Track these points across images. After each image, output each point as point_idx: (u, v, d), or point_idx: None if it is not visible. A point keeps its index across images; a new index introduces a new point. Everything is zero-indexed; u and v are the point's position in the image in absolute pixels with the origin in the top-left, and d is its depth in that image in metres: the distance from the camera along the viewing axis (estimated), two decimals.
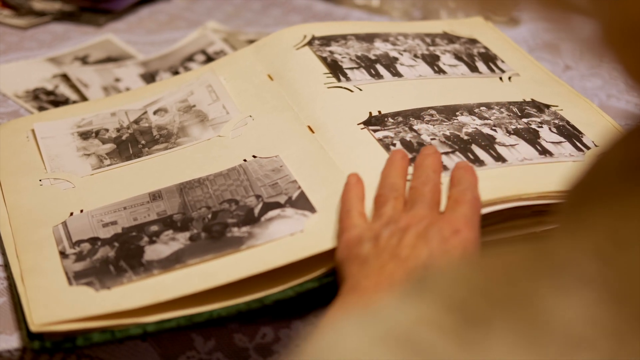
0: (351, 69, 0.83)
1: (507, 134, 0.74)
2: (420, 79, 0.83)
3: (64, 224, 0.70)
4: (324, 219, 0.66)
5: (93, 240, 0.67)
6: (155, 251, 0.65)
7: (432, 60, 0.86)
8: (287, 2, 1.23)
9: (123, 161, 0.78)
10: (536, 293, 0.29)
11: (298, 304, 0.66)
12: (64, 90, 0.98)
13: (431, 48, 0.88)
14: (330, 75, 0.81)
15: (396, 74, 0.83)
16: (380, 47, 0.87)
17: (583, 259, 0.30)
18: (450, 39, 0.91)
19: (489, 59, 0.88)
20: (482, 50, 0.90)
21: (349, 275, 0.59)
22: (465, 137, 0.73)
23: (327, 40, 0.87)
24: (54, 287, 0.63)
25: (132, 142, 0.80)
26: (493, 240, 0.67)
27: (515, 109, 0.78)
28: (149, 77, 1.01)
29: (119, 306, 0.61)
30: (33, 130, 0.83)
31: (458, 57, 0.87)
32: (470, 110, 0.77)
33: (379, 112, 0.76)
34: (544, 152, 0.72)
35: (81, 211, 0.71)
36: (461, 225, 0.60)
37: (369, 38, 0.89)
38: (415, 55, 0.86)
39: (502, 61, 0.88)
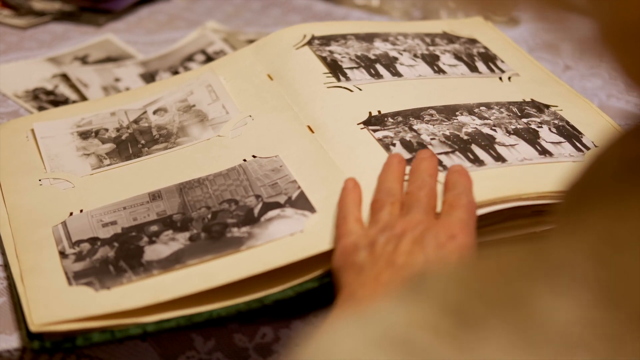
0: (351, 68, 0.83)
1: (507, 134, 0.74)
2: (420, 79, 0.83)
3: (64, 224, 0.70)
4: (324, 219, 0.66)
5: (93, 240, 0.67)
6: (155, 251, 0.65)
7: (431, 60, 0.86)
8: (286, 2, 1.23)
9: (123, 161, 0.78)
10: (532, 294, 0.29)
11: (298, 304, 0.66)
12: (64, 90, 0.98)
13: (431, 48, 0.88)
14: (330, 75, 0.81)
15: (396, 73, 0.83)
16: (380, 47, 0.87)
17: (579, 260, 0.30)
18: (450, 38, 0.91)
19: (489, 59, 0.88)
20: (482, 50, 0.90)
21: (345, 284, 0.59)
22: (465, 137, 0.73)
23: (326, 40, 0.87)
24: (54, 287, 0.63)
25: (131, 142, 0.80)
26: (493, 240, 0.67)
27: (515, 109, 0.78)
28: (149, 77, 1.01)
29: (118, 306, 0.61)
30: (33, 130, 0.83)
31: (458, 57, 0.87)
32: (470, 110, 0.77)
33: (379, 112, 0.76)
34: (544, 152, 0.72)
35: (81, 211, 0.71)
36: (457, 230, 0.60)
37: (368, 38, 0.89)
38: (415, 55, 0.86)
39: (502, 61, 0.88)
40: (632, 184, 0.31)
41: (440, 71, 0.84)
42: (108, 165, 0.77)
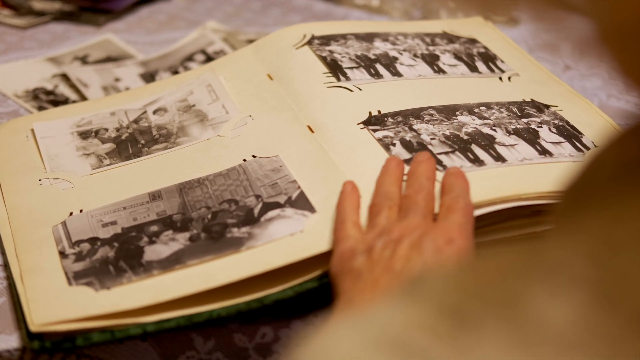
0: (351, 68, 0.83)
1: (507, 134, 0.74)
2: (420, 79, 0.83)
3: (64, 223, 0.70)
4: (324, 219, 0.66)
5: (93, 240, 0.67)
6: (155, 251, 0.65)
7: (431, 60, 0.86)
8: (286, 2, 1.23)
9: (122, 161, 0.78)
10: (529, 294, 0.29)
11: (298, 304, 0.66)
12: (64, 90, 0.98)
13: (431, 48, 0.88)
14: (329, 74, 0.81)
15: (396, 73, 0.83)
16: (380, 47, 0.87)
17: (576, 261, 0.30)
18: (450, 38, 0.91)
19: (489, 58, 0.88)
20: (482, 50, 0.90)
21: (343, 290, 0.58)
22: (465, 137, 0.73)
23: (326, 40, 0.87)
24: (54, 287, 0.63)
25: (131, 142, 0.80)
26: (492, 241, 0.67)
27: (515, 109, 0.78)
28: (149, 77, 1.01)
29: (118, 306, 0.61)
30: (33, 130, 0.83)
31: (458, 57, 0.87)
32: (470, 110, 0.77)
33: (379, 111, 0.76)
34: (544, 152, 0.72)
35: (81, 211, 0.71)
36: (455, 234, 0.59)
37: (368, 38, 0.89)
38: (415, 55, 0.86)
39: (502, 61, 0.88)
40: (629, 185, 0.31)
41: (440, 71, 0.84)
42: (108, 165, 0.77)
